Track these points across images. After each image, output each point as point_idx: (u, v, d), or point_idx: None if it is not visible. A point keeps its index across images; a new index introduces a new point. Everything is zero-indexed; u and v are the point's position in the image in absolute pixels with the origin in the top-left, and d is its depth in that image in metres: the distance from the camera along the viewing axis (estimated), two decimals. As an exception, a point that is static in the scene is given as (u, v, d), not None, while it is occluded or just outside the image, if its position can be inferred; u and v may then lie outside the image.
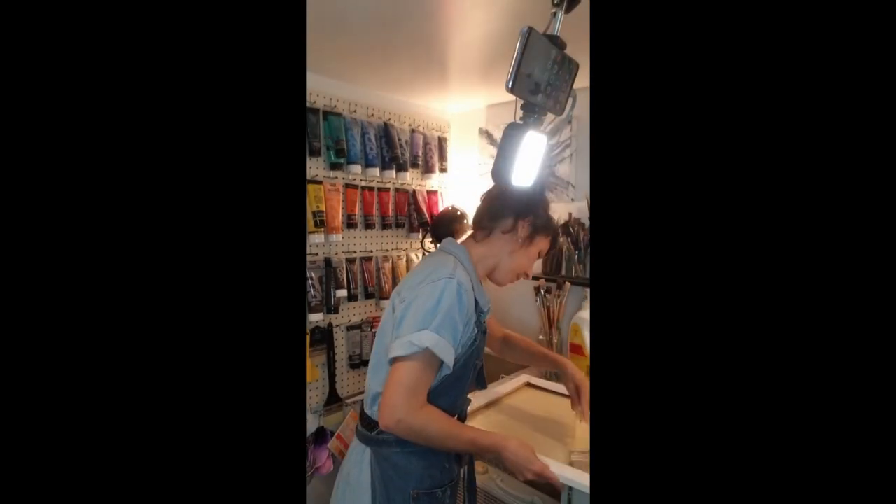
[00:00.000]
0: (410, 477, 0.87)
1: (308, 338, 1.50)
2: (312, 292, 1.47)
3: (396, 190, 1.71)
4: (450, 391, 0.88)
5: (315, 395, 1.55)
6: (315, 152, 1.46)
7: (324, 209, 1.47)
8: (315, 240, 1.47)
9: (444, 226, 1.06)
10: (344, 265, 1.56)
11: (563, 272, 1.55)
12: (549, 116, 0.82)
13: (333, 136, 1.49)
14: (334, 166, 1.52)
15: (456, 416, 0.96)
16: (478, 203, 1.02)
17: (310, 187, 1.45)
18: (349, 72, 1.44)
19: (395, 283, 1.71)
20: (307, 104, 1.44)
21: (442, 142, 1.85)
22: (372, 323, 1.66)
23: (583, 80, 0.81)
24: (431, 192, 1.83)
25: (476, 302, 0.88)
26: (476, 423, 1.14)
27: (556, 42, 0.73)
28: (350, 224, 1.57)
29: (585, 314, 1.46)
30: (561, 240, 1.55)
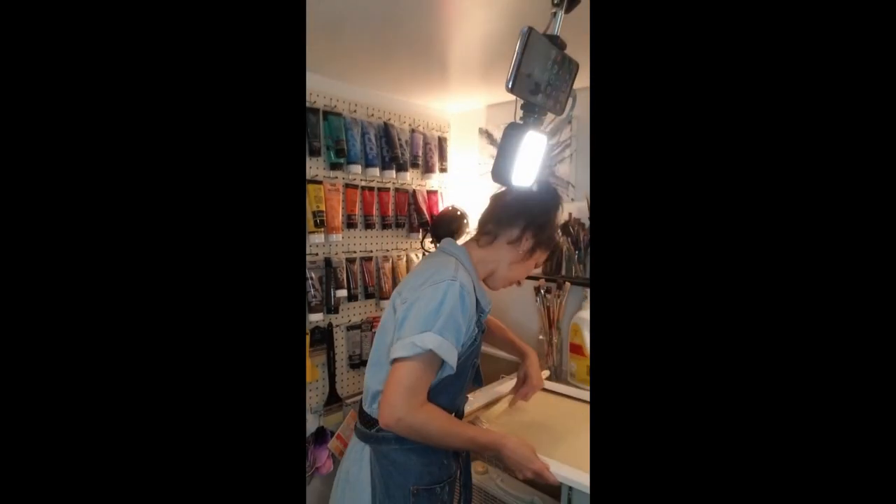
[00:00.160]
0: (410, 473, 0.88)
1: (308, 338, 1.50)
2: (312, 292, 1.47)
3: (396, 190, 1.71)
4: (449, 389, 0.88)
5: (315, 395, 1.55)
6: (315, 152, 1.46)
7: (324, 209, 1.47)
8: (315, 240, 1.47)
9: (444, 226, 1.06)
10: (344, 265, 1.56)
11: (563, 272, 1.55)
12: (549, 116, 0.82)
13: (333, 136, 1.49)
14: (334, 166, 1.52)
15: (454, 414, 0.96)
16: (485, 203, 1.01)
17: (310, 187, 1.45)
18: (349, 72, 1.44)
19: (395, 283, 1.71)
20: (307, 104, 1.44)
21: (442, 142, 1.85)
22: (372, 323, 1.66)
23: (583, 80, 0.82)
24: (431, 192, 1.83)
25: (477, 301, 0.89)
26: (476, 423, 1.14)
27: (556, 42, 0.73)
28: (350, 224, 1.57)
29: (585, 314, 1.46)
30: (561, 240, 1.55)
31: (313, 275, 1.48)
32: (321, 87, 1.48)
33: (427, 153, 1.78)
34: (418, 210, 1.75)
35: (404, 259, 1.77)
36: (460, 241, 1.00)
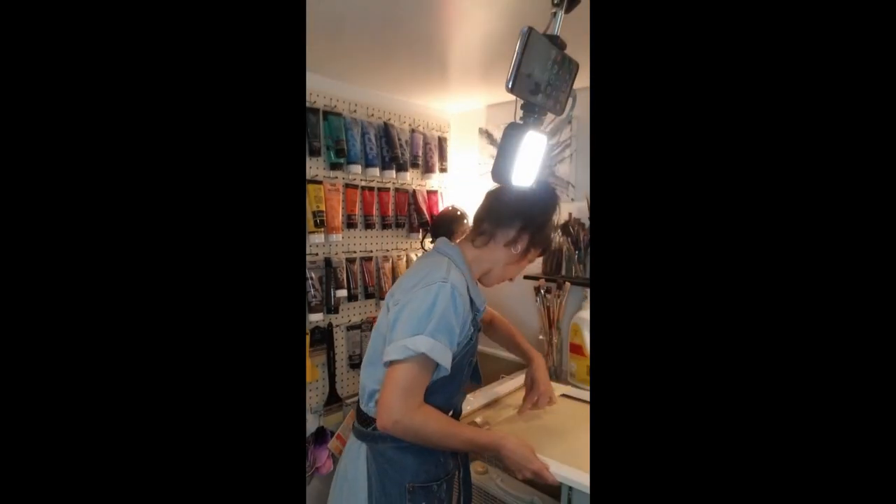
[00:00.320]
0: (406, 471, 0.88)
1: (308, 338, 1.50)
2: (312, 292, 1.47)
3: (396, 190, 1.71)
4: (446, 388, 0.88)
5: (315, 395, 1.55)
6: (315, 152, 1.46)
7: (324, 209, 1.47)
8: (315, 240, 1.47)
9: (443, 226, 1.06)
10: (344, 265, 1.56)
11: (563, 272, 1.55)
12: (549, 116, 0.82)
13: (333, 136, 1.49)
14: (334, 166, 1.52)
15: (451, 412, 0.96)
16: (480, 201, 1.01)
17: (310, 187, 1.45)
18: (349, 72, 1.44)
19: (394, 283, 1.71)
20: (307, 104, 1.44)
21: (442, 142, 1.85)
22: (372, 323, 1.66)
23: (583, 80, 0.81)
24: (431, 192, 1.83)
25: (472, 301, 0.89)
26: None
27: (556, 42, 0.73)
28: (350, 224, 1.57)
29: (585, 314, 1.46)
30: (560, 240, 1.55)
31: (313, 275, 1.48)
32: (321, 87, 1.48)
33: (427, 153, 1.78)
34: (418, 210, 1.75)
35: (404, 259, 1.77)
36: (456, 241, 0.99)
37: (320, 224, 1.46)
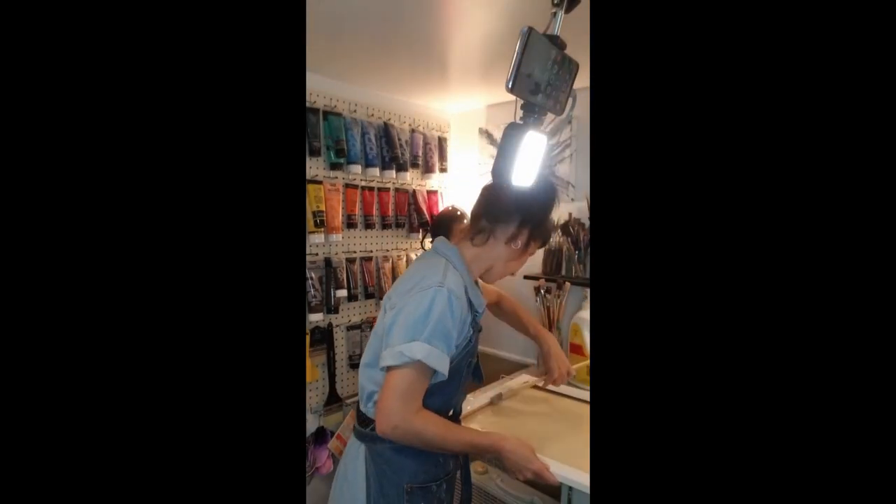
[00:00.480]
0: (404, 471, 0.88)
1: (308, 338, 1.50)
2: (312, 292, 1.47)
3: (396, 190, 1.71)
4: (444, 389, 0.88)
5: (315, 395, 1.55)
6: (315, 152, 1.46)
7: (324, 209, 1.47)
8: (315, 240, 1.47)
9: (443, 226, 1.06)
10: (344, 265, 1.56)
11: (563, 272, 1.55)
12: (549, 116, 0.82)
13: (333, 136, 1.49)
14: (334, 166, 1.52)
15: (451, 412, 0.96)
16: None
17: (310, 187, 1.45)
18: (349, 72, 1.44)
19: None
20: (307, 104, 1.44)
21: (442, 142, 1.85)
22: (372, 323, 1.66)
23: (583, 80, 0.81)
24: (431, 192, 1.83)
25: (470, 302, 0.88)
26: (476, 423, 1.14)
27: (556, 42, 0.73)
28: (350, 224, 1.57)
29: (585, 314, 1.46)
30: (560, 240, 1.55)
31: (313, 275, 1.48)
32: (321, 87, 1.48)
33: (427, 153, 1.78)
34: (418, 210, 1.75)
35: (404, 259, 1.77)
36: (454, 241, 0.99)
37: (320, 224, 1.46)
